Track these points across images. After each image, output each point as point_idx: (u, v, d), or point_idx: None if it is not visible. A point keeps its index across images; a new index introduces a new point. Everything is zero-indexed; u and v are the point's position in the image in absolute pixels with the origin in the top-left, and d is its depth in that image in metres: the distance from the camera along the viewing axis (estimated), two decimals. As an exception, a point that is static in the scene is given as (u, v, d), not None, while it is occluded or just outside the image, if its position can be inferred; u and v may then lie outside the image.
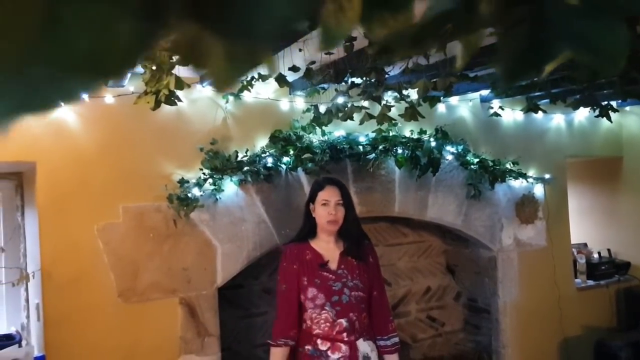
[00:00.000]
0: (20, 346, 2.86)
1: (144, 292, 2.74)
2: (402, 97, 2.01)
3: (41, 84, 0.22)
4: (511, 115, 3.80)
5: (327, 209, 2.20)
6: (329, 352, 2.15)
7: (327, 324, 2.16)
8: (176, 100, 1.78)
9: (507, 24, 0.32)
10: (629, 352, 3.43)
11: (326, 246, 2.26)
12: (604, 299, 4.30)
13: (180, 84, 1.51)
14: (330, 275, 2.19)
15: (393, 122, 2.16)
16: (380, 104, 2.23)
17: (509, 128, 3.86)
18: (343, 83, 2.47)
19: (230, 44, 0.24)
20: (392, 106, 2.16)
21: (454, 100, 3.56)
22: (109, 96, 2.68)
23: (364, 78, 2.17)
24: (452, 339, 4.22)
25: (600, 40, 0.30)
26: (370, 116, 2.28)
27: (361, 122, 2.31)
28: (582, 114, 4.15)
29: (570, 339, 3.99)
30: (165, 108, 2.79)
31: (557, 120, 4.08)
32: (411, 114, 2.00)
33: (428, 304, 4.19)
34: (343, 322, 2.14)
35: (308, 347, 2.20)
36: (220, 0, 0.23)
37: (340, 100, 2.41)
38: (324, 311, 2.17)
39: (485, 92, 3.54)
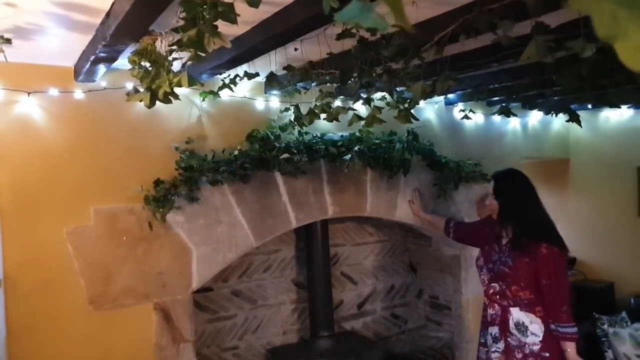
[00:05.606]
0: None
1: (116, 298, 2.60)
2: (399, 100, 2.03)
3: None
4: (472, 118, 3.93)
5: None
6: (488, 307, 2.69)
7: (484, 284, 2.71)
8: (172, 98, 1.69)
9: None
10: (582, 343, 3.62)
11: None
12: (554, 293, 4.55)
13: (193, 81, 1.44)
14: (496, 247, 2.66)
15: (383, 123, 2.17)
16: (370, 105, 2.23)
17: (470, 130, 3.99)
18: (330, 84, 2.46)
19: None
20: (382, 108, 2.17)
21: (420, 102, 3.63)
22: (78, 92, 2.52)
23: (354, 79, 2.16)
24: (415, 335, 4.32)
25: None
26: (359, 117, 2.28)
27: (350, 124, 2.31)
28: (536, 117, 4.36)
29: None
30: (137, 105, 2.67)
31: (513, 123, 4.26)
32: (405, 115, 2.02)
33: (392, 302, 4.27)
34: (496, 286, 2.62)
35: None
36: None
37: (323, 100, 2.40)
38: (482, 272, 2.72)
39: (450, 95, 3.64)
